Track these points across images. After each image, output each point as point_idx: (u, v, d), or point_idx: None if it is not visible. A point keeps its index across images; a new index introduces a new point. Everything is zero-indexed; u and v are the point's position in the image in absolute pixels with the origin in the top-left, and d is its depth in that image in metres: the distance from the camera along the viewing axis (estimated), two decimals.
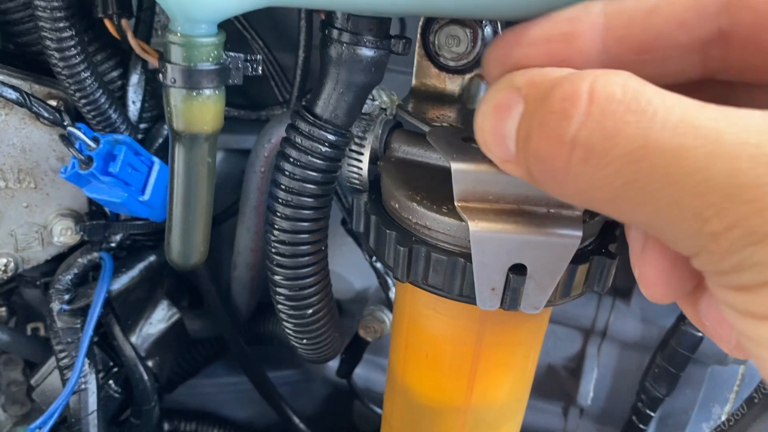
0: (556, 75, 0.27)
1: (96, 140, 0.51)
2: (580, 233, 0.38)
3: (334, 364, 0.78)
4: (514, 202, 0.39)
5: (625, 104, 0.24)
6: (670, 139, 0.23)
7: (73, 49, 0.50)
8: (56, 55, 0.50)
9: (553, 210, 0.39)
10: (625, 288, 0.69)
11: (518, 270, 0.38)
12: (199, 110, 0.36)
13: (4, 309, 0.72)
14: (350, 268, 0.73)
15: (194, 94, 0.35)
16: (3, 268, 0.63)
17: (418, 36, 0.49)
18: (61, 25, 0.49)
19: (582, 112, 0.24)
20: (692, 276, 0.29)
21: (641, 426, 0.66)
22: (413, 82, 0.50)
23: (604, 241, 0.43)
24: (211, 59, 0.34)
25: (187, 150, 0.37)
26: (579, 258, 0.40)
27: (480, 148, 0.32)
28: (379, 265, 0.68)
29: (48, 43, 0.49)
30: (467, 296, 0.40)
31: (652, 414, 0.65)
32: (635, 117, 0.23)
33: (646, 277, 0.30)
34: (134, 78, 0.60)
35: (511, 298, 0.39)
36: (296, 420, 0.80)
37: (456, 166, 0.38)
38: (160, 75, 0.35)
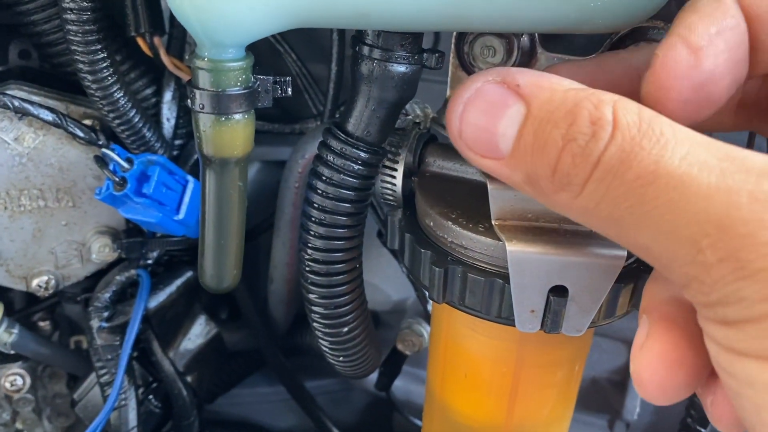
0: (566, 86, 0.28)
1: (130, 161, 0.51)
2: (624, 253, 0.36)
3: (373, 376, 0.78)
4: (555, 221, 0.37)
5: (642, 132, 0.25)
6: (677, 168, 0.24)
7: (105, 71, 0.50)
8: (89, 77, 0.50)
9: None
10: None
11: (559, 291, 0.37)
12: (229, 135, 0.35)
13: (47, 323, 0.74)
14: (387, 279, 0.72)
15: (223, 119, 0.34)
16: (45, 285, 0.64)
17: (452, 47, 0.48)
18: (93, 48, 0.49)
19: (607, 135, 0.25)
20: (688, 382, 0.28)
21: None
22: (448, 93, 0.49)
23: None
24: (239, 83, 0.34)
25: (217, 175, 0.37)
26: (623, 277, 0.39)
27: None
28: None
29: (80, 66, 0.50)
30: (506, 318, 0.39)
31: (703, 430, 0.63)
32: (649, 144, 0.25)
33: (640, 375, 0.29)
34: (168, 95, 0.60)
35: (552, 321, 0.38)
36: (335, 430, 0.80)
37: (493, 184, 0.37)
38: (189, 101, 0.34)
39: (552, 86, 0.28)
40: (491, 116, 0.29)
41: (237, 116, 0.35)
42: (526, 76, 0.29)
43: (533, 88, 0.28)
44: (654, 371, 0.28)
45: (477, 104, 0.29)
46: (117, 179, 0.51)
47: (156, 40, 0.55)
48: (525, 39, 0.45)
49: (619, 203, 0.25)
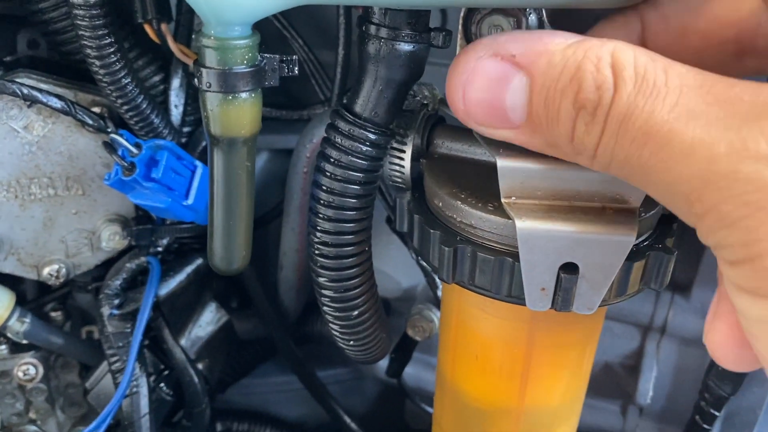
0: (560, 45, 0.28)
1: (138, 146, 0.51)
2: (635, 230, 0.36)
3: (384, 363, 0.78)
4: (565, 198, 0.37)
5: (638, 87, 0.26)
6: (666, 122, 0.25)
7: (113, 56, 0.51)
8: (97, 62, 0.50)
9: (607, 205, 0.37)
10: (684, 282, 0.66)
11: (570, 269, 0.37)
12: (236, 114, 0.35)
13: (59, 313, 0.74)
14: (397, 266, 0.72)
15: (230, 97, 0.34)
16: (55, 274, 0.64)
17: (460, 27, 0.47)
18: (101, 32, 0.49)
19: (610, 97, 0.26)
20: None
21: (705, 426, 0.64)
22: None
23: (661, 236, 0.41)
24: (246, 62, 0.34)
25: (225, 155, 0.37)
26: (635, 255, 0.38)
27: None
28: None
29: (88, 51, 0.50)
30: (516, 297, 0.39)
31: (717, 413, 0.62)
32: (643, 99, 0.25)
33: (714, 352, 0.32)
34: (176, 82, 0.60)
35: (562, 299, 0.38)
36: (347, 419, 0.80)
37: (502, 162, 0.37)
38: (195, 80, 0.34)
39: (547, 49, 0.28)
40: (495, 92, 0.29)
41: (244, 95, 0.34)
42: (517, 44, 0.29)
43: (530, 56, 0.29)
44: (726, 349, 0.31)
45: (477, 83, 0.30)
46: (126, 164, 0.51)
47: (163, 26, 0.55)
48: (533, 17, 0.45)
49: (629, 161, 0.27)
